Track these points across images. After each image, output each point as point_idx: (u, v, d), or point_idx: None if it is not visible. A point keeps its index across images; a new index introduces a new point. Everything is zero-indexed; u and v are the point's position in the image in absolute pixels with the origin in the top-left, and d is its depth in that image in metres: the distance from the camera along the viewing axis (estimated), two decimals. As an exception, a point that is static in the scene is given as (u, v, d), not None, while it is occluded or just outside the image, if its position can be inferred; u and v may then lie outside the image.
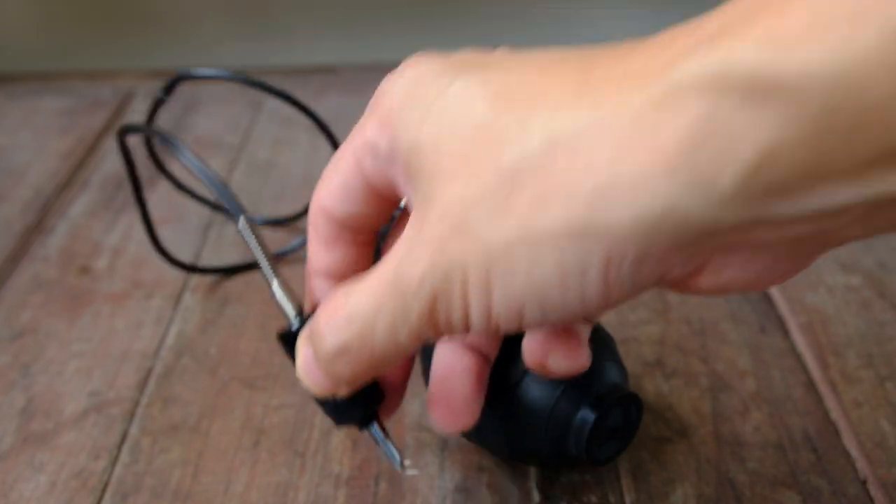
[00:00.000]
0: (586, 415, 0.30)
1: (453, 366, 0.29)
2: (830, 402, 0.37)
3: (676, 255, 0.20)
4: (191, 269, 0.46)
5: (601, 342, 0.33)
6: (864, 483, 0.34)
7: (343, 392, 0.26)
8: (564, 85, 0.21)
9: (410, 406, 0.38)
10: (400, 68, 0.24)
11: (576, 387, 0.31)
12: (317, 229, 0.28)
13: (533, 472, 0.34)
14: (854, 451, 0.35)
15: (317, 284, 0.29)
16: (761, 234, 0.20)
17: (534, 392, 0.31)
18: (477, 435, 0.33)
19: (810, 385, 0.38)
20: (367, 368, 0.25)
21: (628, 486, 0.34)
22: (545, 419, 0.31)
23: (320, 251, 0.28)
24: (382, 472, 0.35)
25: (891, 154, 0.17)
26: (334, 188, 0.27)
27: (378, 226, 0.28)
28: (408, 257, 0.23)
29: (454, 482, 0.34)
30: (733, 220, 0.19)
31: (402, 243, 0.23)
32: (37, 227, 0.52)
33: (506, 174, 0.21)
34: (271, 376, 0.40)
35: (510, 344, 0.30)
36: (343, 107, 0.65)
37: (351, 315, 0.24)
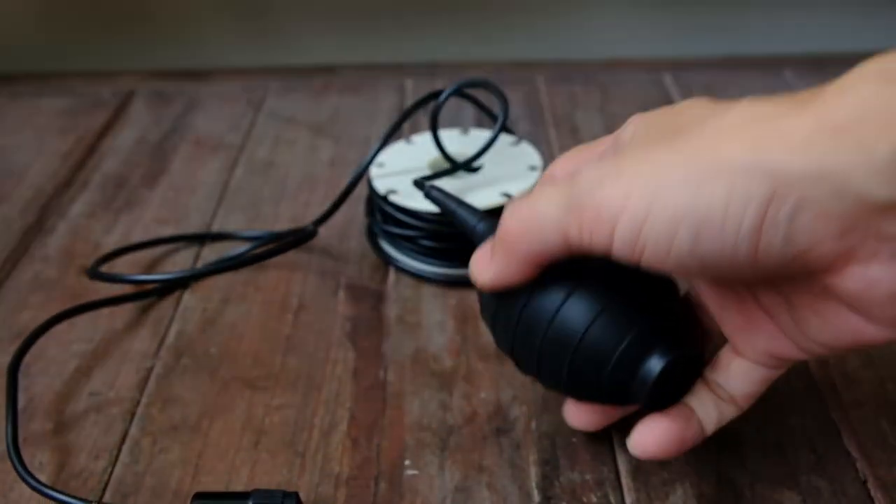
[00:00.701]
0: (653, 364, 0.30)
1: None
2: (830, 402, 0.37)
3: (832, 223, 0.22)
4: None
5: (678, 300, 0.32)
6: (864, 483, 0.34)
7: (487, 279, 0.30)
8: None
9: (410, 406, 0.38)
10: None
11: (646, 334, 0.30)
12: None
13: (533, 472, 0.35)
14: (854, 451, 0.35)
15: None
16: None
17: (602, 331, 0.30)
18: (536, 365, 0.32)
19: (810, 385, 0.38)
20: (522, 253, 0.29)
21: (628, 486, 0.34)
22: (611, 360, 0.30)
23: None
24: (382, 472, 0.35)
25: None
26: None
27: None
28: (588, 170, 0.27)
29: (454, 482, 0.34)
30: (885, 195, 0.21)
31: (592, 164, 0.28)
32: (37, 227, 0.52)
33: (687, 123, 0.26)
34: (272, 376, 0.40)
35: (588, 276, 0.30)
36: (343, 107, 0.65)
37: (532, 203, 0.28)
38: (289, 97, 0.67)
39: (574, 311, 0.30)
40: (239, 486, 0.34)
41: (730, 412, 0.31)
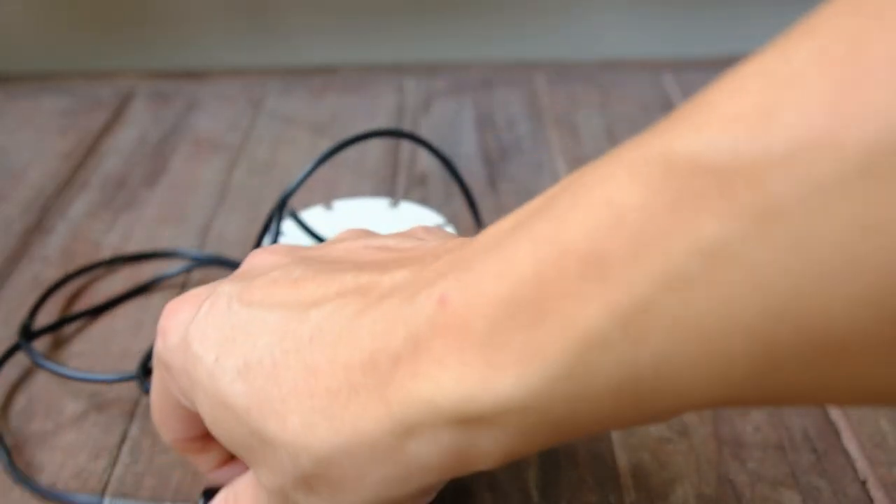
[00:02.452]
0: None
1: None
2: (830, 402, 0.37)
3: None
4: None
5: None
6: (864, 483, 0.34)
7: None
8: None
9: (410, 406, 0.38)
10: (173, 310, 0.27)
11: None
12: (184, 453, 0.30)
13: (533, 472, 0.35)
14: (854, 451, 0.35)
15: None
16: None
17: None
18: None
19: (810, 385, 0.38)
20: None
21: (628, 486, 0.34)
22: None
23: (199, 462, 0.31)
24: (382, 472, 0.35)
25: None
26: (159, 419, 0.29)
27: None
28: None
29: (454, 482, 0.34)
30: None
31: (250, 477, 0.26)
32: (37, 227, 0.52)
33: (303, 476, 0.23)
34: (271, 376, 0.40)
35: None
36: (343, 107, 0.65)
37: None
38: (289, 97, 0.67)
39: None
40: (239, 486, 0.34)
41: None
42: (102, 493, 0.34)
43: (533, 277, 0.19)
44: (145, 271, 0.47)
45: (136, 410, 0.38)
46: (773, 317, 0.16)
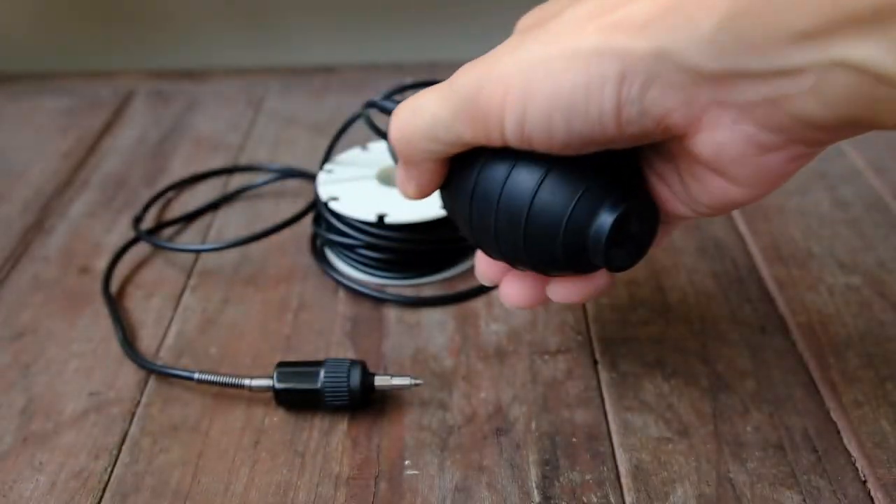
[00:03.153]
0: (605, 219, 0.29)
1: None
2: (830, 402, 0.37)
3: (676, 95, 0.25)
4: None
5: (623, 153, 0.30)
6: (864, 483, 0.34)
7: (412, 192, 0.32)
8: None
9: (410, 406, 0.38)
10: None
11: (594, 190, 0.29)
12: None
13: (533, 472, 0.35)
14: (854, 451, 0.35)
15: None
16: (739, 90, 0.24)
17: (550, 196, 0.29)
18: (497, 246, 0.31)
19: (810, 385, 0.38)
20: (420, 154, 0.30)
21: (628, 486, 0.34)
22: (562, 223, 0.29)
23: None
24: (382, 472, 0.35)
25: (836, 24, 0.22)
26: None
27: None
28: (464, 71, 0.28)
29: (454, 482, 0.34)
30: (715, 67, 0.24)
31: (467, 65, 0.29)
32: (37, 227, 0.52)
33: (552, 15, 0.27)
34: (271, 376, 0.40)
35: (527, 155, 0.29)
36: (343, 107, 0.65)
37: (415, 106, 0.30)
38: (289, 97, 0.67)
39: (518, 181, 0.29)
40: (239, 486, 0.34)
41: None
42: (102, 492, 0.34)
43: None
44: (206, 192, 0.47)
45: (136, 410, 0.38)
46: None
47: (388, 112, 0.34)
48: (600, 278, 0.32)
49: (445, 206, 0.34)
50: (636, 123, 0.26)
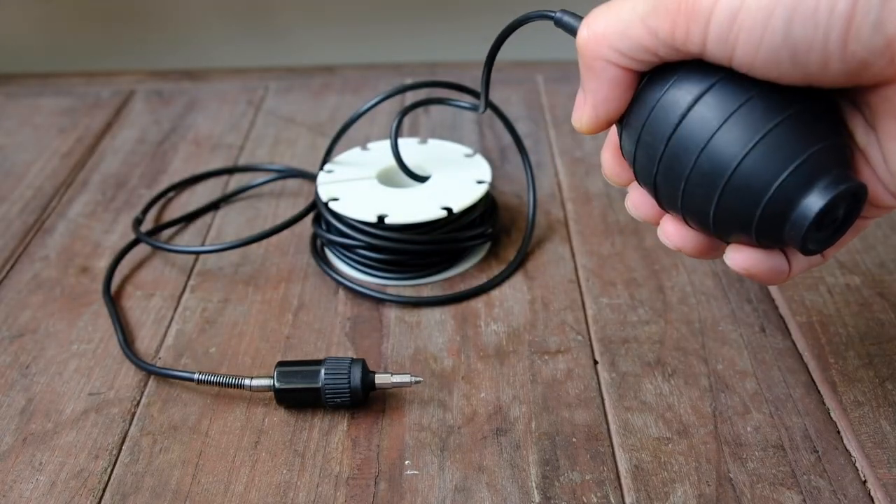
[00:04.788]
0: (814, 201, 0.26)
1: None
2: (830, 402, 0.37)
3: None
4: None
5: (834, 115, 0.28)
6: (864, 483, 0.34)
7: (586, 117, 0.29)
8: None
9: (410, 406, 0.38)
10: None
11: (811, 161, 0.26)
12: None
13: (533, 472, 0.35)
14: (854, 451, 0.35)
15: None
16: None
17: (761, 160, 0.26)
18: (685, 198, 0.28)
19: (810, 385, 0.38)
20: (606, 55, 0.27)
21: (628, 486, 0.34)
22: (767, 194, 0.26)
23: None
24: (382, 472, 0.35)
25: None
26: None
27: None
28: None
29: (454, 482, 0.34)
30: None
31: None
32: (37, 227, 0.52)
33: None
34: (271, 376, 0.40)
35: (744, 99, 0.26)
36: (343, 107, 0.65)
37: (613, 2, 0.27)
38: (289, 97, 0.67)
39: (728, 136, 0.26)
40: (239, 486, 0.34)
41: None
42: (102, 492, 0.34)
43: None
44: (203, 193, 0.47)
45: (136, 410, 0.38)
46: None
47: (564, 25, 0.30)
48: (779, 259, 0.29)
49: (622, 145, 0.30)
50: (865, 39, 0.23)
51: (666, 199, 0.29)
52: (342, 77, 0.70)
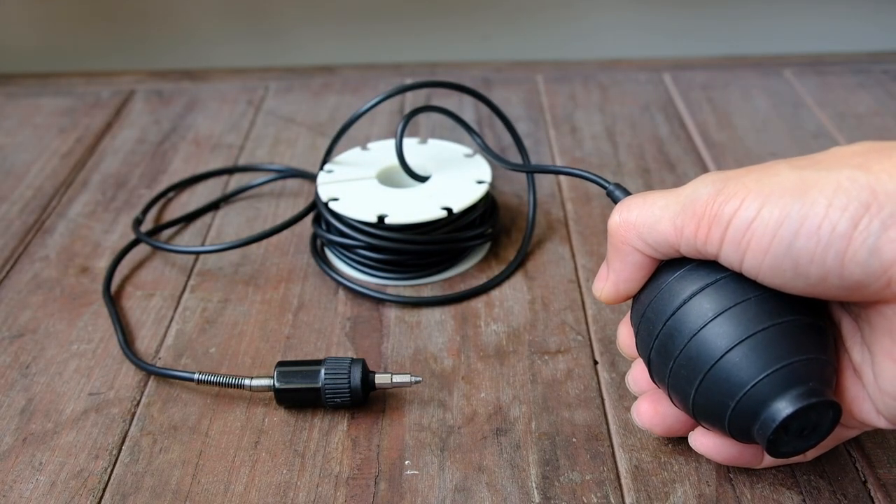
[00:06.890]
0: (779, 408, 0.27)
1: None
2: (830, 402, 0.37)
3: None
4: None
5: (824, 335, 0.29)
6: (864, 483, 0.34)
7: (608, 290, 0.32)
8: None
9: (410, 406, 0.38)
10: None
11: (782, 375, 0.28)
12: None
13: (533, 472, 0.35)
14: (854, 451, 0.35)
15: None
16: None
17: (744, 357, 0.28)
18: (672, 377, 0.30)
19: (810, 385, 0.38)
20: (633, 242, 0.31)
21: (628, 486, 0.34)
22: (743, 390, 0.28)
23: None
24: (382, 472, 0.35)
25: None
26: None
27: None
28: (701, 179, 0.29)
29: (454, 482, 0.34)
30: None
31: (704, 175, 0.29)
32: (37, 227, 0.52)
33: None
34: (271, 376, 0.40)
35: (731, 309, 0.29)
36: (343, 107, 0.65)
37: (647, 196, 0.31)
38: (289, 97, 0.67)
39: (719, 329, 0.28)
40: (239, 486, 0.34)
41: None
42: (102, 492, 0.34)
43: None
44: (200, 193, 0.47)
45: (136, 410, 0.38)
46: None
47: (612, 198, 0.35)
48: (748, 452, 0.32)
49: (631, 317, 0.33)
50: (861, 263, 0.25)
51: (657, 373, 0.31)
52: (342, 77, 0.70)
